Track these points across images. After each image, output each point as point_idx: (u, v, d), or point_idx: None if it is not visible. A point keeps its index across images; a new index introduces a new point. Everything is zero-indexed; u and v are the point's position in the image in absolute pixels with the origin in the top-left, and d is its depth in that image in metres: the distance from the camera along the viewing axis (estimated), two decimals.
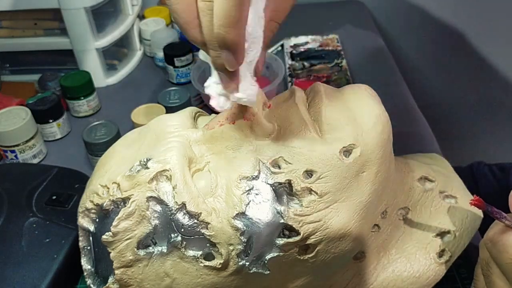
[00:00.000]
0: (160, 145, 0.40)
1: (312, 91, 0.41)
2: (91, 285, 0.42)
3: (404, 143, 0.50)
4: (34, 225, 0.51)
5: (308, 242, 0.38)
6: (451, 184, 0.49)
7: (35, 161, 0.68)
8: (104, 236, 0.38)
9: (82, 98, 0.75)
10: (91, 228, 0.41)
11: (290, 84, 0.79)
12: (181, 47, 0.80)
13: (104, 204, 0.39)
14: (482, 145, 1.23)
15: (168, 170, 0.38)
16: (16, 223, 0.51)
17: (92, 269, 0.43)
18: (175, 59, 0.80)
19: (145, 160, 0.39)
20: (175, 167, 0.38)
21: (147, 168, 0.39)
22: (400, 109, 0.72)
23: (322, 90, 0.41)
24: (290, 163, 0.38)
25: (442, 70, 1.16)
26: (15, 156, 0.66)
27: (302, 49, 0.84)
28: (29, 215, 0.52)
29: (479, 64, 1.12)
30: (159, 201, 0.38)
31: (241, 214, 0.37)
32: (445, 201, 0.48)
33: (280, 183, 0.38)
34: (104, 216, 0.40)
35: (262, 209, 0.37)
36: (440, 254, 0.45)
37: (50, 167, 0.60)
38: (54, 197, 0.54)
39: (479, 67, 1.13)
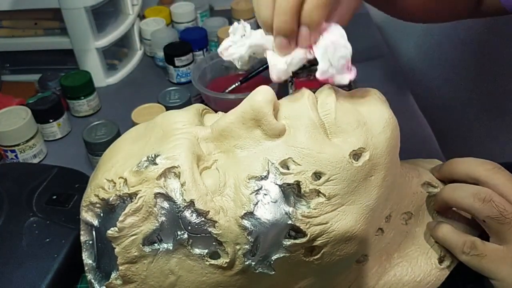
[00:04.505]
0: (168, 142, 0.40)
1: (322, 93, 0.41)
2: (92, 280, 0.42)
3: (404, 143, 0.50)
4: (35, 225, 0.51)
5: (314, 244, 0.38)
6: None
7: (35, 161, 0.68)
8: (109, 231, 0.38)
9: (82, 97, 0.75)
10: (95, 222, 0.41)
11: (290, 83, 0.79)
12: (181, 47, 0.80)
13: (110, 199, 0.39)
14: (483, 145, 1.23)
15: (177, 167, 0.38)
16: (16, 223, 0.51)
17: (94, 264, 0.42)
18: (175, 58, 0.80)
19: (153, 156, 0.39)
20: (184, 164, 0.38)
21: (156, 164, 0.38)
22: (400, 109, 0.72)
23: (332, 92, 0.41)
24: (299, 164, 0.38)
25: (443, 70, 1.16)
26: (15, 156, 0.66)
27: None
28: (29, 215, 0.52)
29: (480, 64, 1.12)
30: (167, 198, 0.38)
31: (249, 214, 0.37)
32: None
33: (288, 184, 0.38)
34: (109, 211, 0.40)
35: (270, 210, 0.37)
36: (441, 259, 0.45)
37: (50, 167, 0.60)
38: (54, 197, 0.54)
39: (480, 67, 1.13)
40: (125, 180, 0.39)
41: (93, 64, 0.81)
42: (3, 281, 0.47)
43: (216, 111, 0.46)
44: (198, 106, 0.45)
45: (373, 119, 0.40)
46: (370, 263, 0.44)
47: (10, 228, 0.51)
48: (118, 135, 0.64)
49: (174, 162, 0.38)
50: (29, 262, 0.48)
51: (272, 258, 0.38)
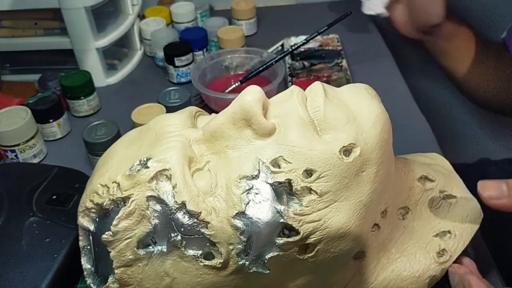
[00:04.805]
0: (160, 145, 0.40)
1: (312, 90, 0.41)
2: (91, 285, 0.42)
3: (404, 143, 0.50)
4: (35, 225, 0.51)
5: (308, 241, 0.38)
6: (451, 183, 0.49)
7: (35, 160, 0.68)
8: (104, 236, 0.39)
9: (82, 97, 0.75)
10: (91, 227, 0.41)
11: (290, 83, 0.79)
12: (181, 47, 0.80)
13: (104, 204, 0.40)
14: (483, 144, 1.23)
15: (168, 170, 0.38)
16: (16, 223, 0.51)
17: (92, 269, 0.43)
18: (175, 58, 0.80)
19: (145, 159, 0.39)
20: (175, 167, 0.38)
21: (147, 167, 0.39)
22: (400, 109, 0.72)
23: (321, 89, 0.41)
24: (289, 163, 0.38)
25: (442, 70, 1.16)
26: (15, 156, 0.66)
27: (302, 48, 0.84)
28: (29, 215, 0.52)
29: None
30: (159, 200, 0.38)
31: (241, 214, 0.37)
32: (445, 201, 0.48)
33: (280, 183, 0.38)
34: (104, 215, 0.40)
35: (262, 209, 0.37)
36: (440, 254, 0.45)
37: (50, 166, 0.60)
38: (54, 197, 0.54)
39: None
40: (118, 184, 0.39)
41: (93, 64, 0.81)
42: (3, 281, 0.47)
43: (216, 111, 0.46)
44: (192, 109, 0.45)
45: (363, 114, 0.40)
46: (368, 260, 0.44)
47: (10, 228, 0.51)
48: (118, 135, 0.64)
49: (165, 165, 0.38)
50: (29, 262, 0.48)
51: (266, 257, 0.38)
